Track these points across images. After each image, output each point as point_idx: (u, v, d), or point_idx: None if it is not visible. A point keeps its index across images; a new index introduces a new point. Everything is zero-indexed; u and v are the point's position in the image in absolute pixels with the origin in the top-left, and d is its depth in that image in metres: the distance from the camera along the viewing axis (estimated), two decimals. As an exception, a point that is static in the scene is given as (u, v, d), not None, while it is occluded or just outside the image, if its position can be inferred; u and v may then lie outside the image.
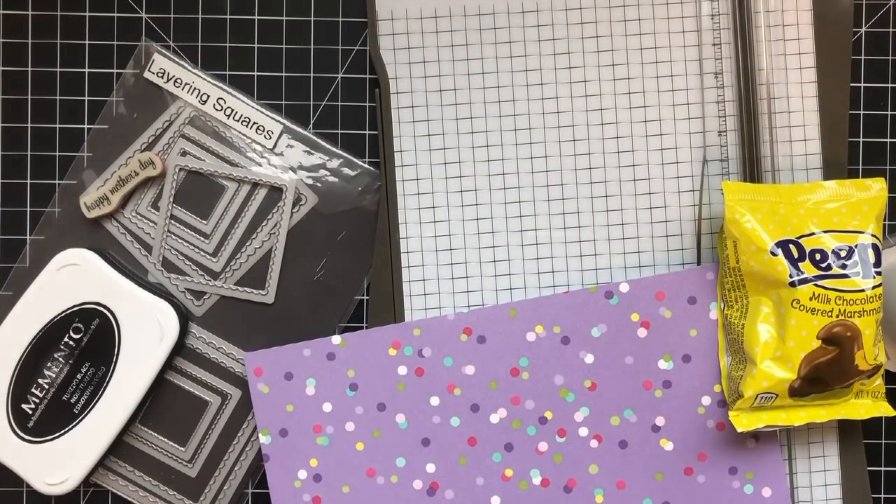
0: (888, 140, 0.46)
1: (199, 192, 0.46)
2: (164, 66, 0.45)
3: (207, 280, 0.46)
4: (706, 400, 0.44)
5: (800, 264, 0.41)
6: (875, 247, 0.41)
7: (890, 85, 0.46)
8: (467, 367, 0.44)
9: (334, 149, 0.46)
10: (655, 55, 0.45)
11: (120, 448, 0.46)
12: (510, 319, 0.44)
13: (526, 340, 0.44)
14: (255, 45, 0.46)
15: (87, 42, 0.46)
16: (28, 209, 0.46)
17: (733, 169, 0.45)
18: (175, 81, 0.45)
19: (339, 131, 0.46)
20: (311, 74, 0.46)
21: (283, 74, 0.46)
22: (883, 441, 0.46)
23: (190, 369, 0.46)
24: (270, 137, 0.45)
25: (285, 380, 0.44)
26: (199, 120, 0.46)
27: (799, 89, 0.45)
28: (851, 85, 0.45)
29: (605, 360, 0.44)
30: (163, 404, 0.46)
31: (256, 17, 0.46)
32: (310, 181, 0.46)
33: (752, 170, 0.45)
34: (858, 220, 0.41)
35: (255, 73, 0.46)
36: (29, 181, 0.46)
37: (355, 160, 0.46)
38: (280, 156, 0.46)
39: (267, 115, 0.45)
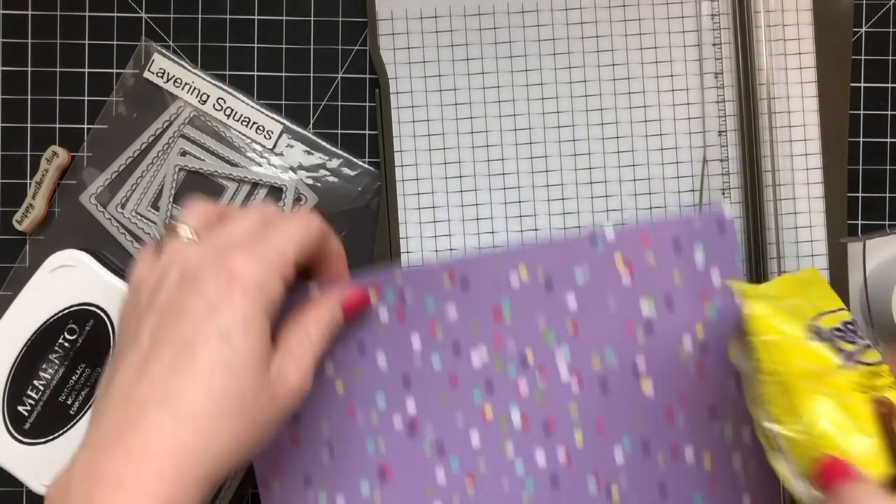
0: (888, 140, 0.46)
1: (199, 192, 0.46)
2: (164, 66, 0.45)
3: (206, 280, 0.45)
4: (687, 344, 0.43)
5: (837, 344, 0.36)
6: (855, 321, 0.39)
7: (890, 85, 0.46)
8: (450, 310, 0.43)
9: (334, 149, 0.45)
10: (655, 55, 0.45)
11: (117, 450, 0.45)
12: (494, 264, 0.43)
13: (510, 284, 0.43)
14: (255, 45, 0.46)
15: (86, 42, 0.46)
16: (26, 209, 0.46)
17: (733, 169, 0.45)
18: (175, 81, 0.45)
19: (339, 131, 0.46)
20: (311, 74, 0.46)
21: (283, 74, 0.46)
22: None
23: (188, 370, 0.46)
24: (270, 137, 0.45)
25: None
26: (199, 120, 0.45)
27: (799, 89, 0.45)
28: (851, 85, 0.45)
29: (587, 304, 0.43)
30: (160, 406, 0.46)
31: (256, 17, 0.46)
32: (310, 181, 0.45)
33: (752, 170, 0.44)
34: (832, 299, 0.39)
35: (255, 73, 0.46)
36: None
37: (355, 160, 0.45)
38: (280, 156, 0.45)
39: (267, 115, 0.45)
